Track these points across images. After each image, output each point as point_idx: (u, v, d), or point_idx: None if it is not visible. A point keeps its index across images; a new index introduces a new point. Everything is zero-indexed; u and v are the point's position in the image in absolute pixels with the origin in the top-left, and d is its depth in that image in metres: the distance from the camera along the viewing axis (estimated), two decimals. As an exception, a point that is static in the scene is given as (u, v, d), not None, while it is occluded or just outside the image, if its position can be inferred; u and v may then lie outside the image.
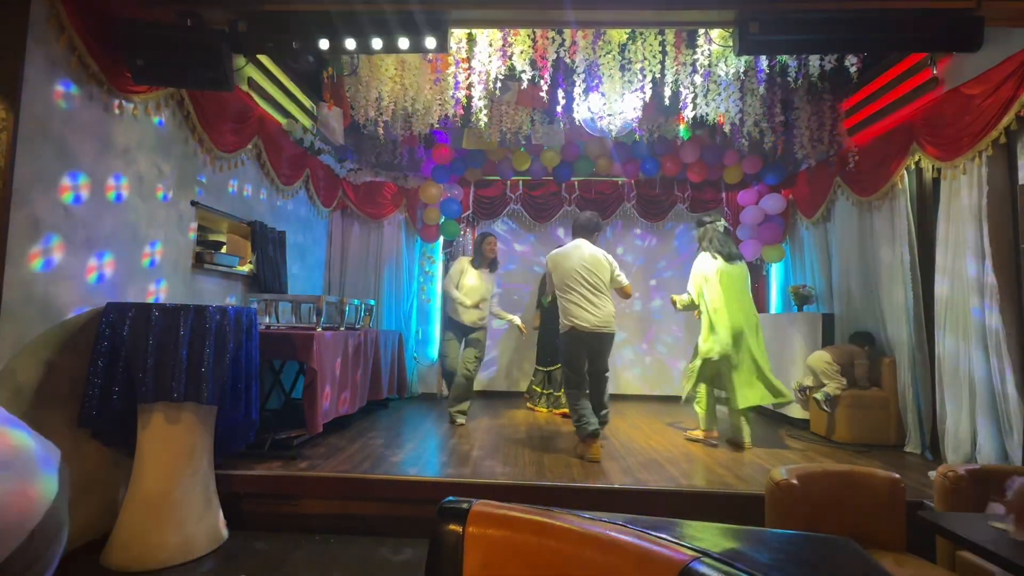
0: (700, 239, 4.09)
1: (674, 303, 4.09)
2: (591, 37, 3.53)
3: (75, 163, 2.55)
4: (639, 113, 4.08)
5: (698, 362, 3.91)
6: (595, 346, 3.58)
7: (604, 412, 3.68)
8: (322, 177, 5.21)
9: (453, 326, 4.60)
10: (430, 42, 2.74)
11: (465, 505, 0.91)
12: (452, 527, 0.88)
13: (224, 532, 2.67)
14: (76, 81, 2.54)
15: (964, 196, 3.32)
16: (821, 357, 4.15)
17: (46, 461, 0.98)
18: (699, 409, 4.02)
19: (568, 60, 3.61)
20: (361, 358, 4.31)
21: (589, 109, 4.26)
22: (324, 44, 2.75)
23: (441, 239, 6.14)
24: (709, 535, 1.02)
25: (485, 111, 4.11)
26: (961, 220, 3.34)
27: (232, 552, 2.59)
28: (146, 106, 2.96)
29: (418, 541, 2.73)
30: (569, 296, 3.57)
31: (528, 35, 3.53)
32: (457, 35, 3.51)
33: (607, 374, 3.73)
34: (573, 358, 3.58)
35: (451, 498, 0.94)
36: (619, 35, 3.55)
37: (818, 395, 4.08)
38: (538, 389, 5.33)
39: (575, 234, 3.79)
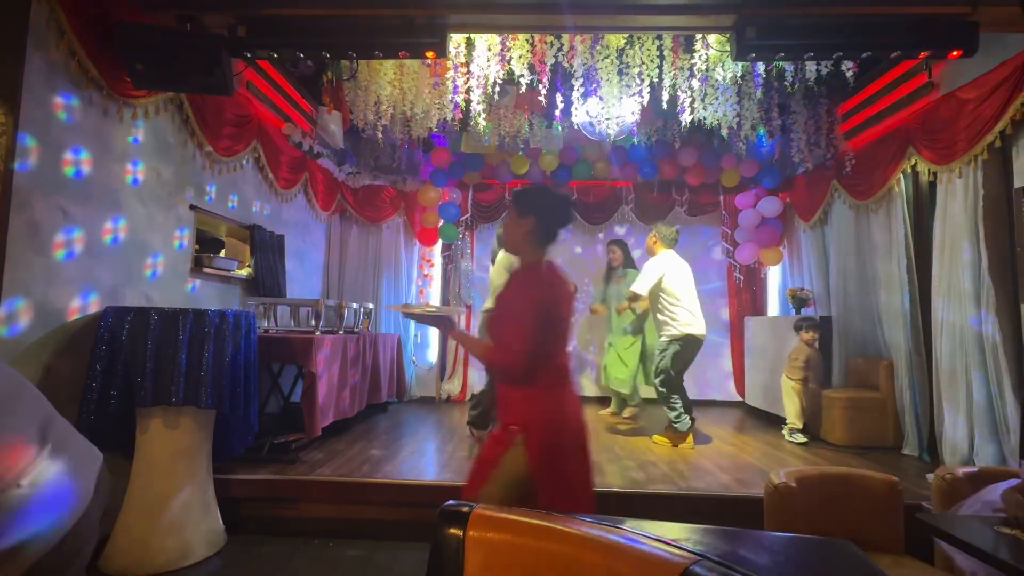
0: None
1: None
2: (589, 42, 3.55)
3: (74, 166, 2.55)
4: (637, 117, 4.10)
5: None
6: (696, 352, 3.97)
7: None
8: (321, 181, 5.21)
9: None
10: (428, 47, 2.75)
11: (466, 509, 0.91)
12: (453, 531, 0.88)
13: (223, 536, 2.66)
14: (76, 85, 2.54)
15: (960, 200, 3.34)
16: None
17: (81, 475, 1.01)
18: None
19: (566, 64, 3.63)
20: (359, 361, 4.30)
21: (587, 113, 4.28)
22: (323, 49, 2.76)
23: (440, 242, 6.15)
24: (708, 538, 1.03)
25: (484, 115, 4.13)
26: (957, 223, 3.35)
27: (231, 556, 2.58)
28: (145, 110, 2.97)
29: (418, 545, 2.73)
30: (683, 303, 3.90)
31: (527, 40, 3.54)
32: (456, 40, 3.52)
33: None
34: (683, 364, 3.94)
35: (451, 502, 0.94)
36: (617, 40, 3.57)
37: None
38: None
39: (669, 245, 4.11)
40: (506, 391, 1.67)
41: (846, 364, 4.52)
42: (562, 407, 1.65)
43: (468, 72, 3.72)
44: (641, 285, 4.00)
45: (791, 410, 4.18)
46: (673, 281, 3.93)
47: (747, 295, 5.97)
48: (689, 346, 3.90)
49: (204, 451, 2.62)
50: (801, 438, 4.08)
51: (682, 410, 3.89)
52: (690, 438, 3.92)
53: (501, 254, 3.81)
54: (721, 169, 5.74)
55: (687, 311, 3.89)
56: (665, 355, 3.92)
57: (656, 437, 4.04)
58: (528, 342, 1.58)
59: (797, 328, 4.30)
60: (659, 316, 4.00)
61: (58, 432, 0.92)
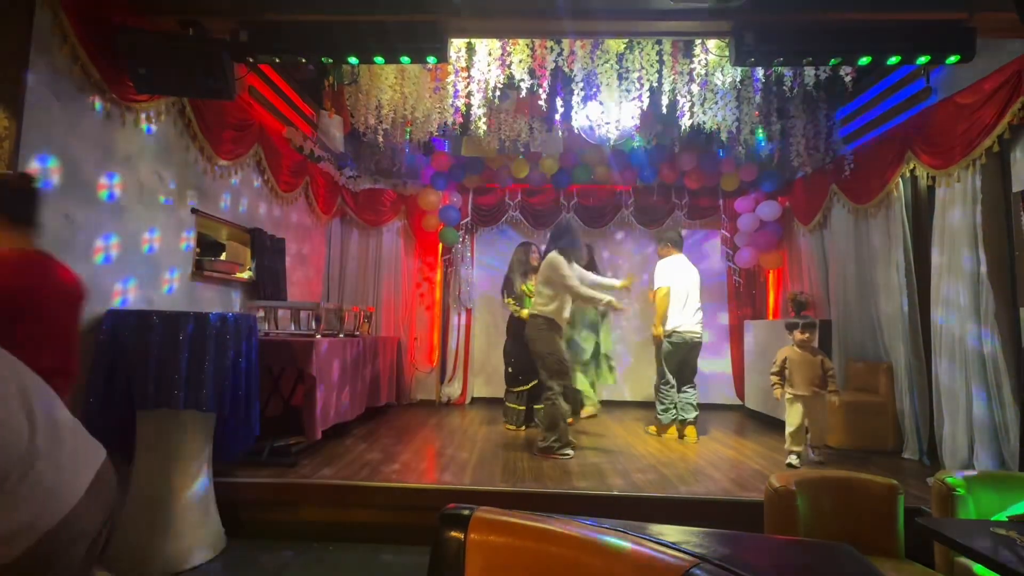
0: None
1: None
2: (589, 47, 3.56)
3: (77, 171, 2.56)
4: (637, 121, 4.12)
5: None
6: (691, 352, 4.26)
7: (695, 416, 4.28)
8: (322, 184, 5.23)
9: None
10: (429, 52, 2.76)
11: (466, 512, 0.91)
12: (454, 534, 0.89)
13: (223, 539, 2.66)
14: (78, 90, 2.55)
15: (958, 204, 3.35)
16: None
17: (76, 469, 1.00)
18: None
19: (566, 69, 3.65)
20: (360, 365, 4.31)
21: (587, 117, 4.29)
22: (324, 54, 2.77)
23: (440, 246, 6.16)
24: (708, 541, 1.03)
25: (484, 119, 4.15)
26: (956, 228, 3.37)
27: (230, 560, 2.58)
28: (147, 114, 2.98)
29: (417, 548, 2.72)
30: (674, 305, 4.20)
31: (527, 44, 3.56)
32: (456, 44, 3.54)
33: (695, 381, 4.37)
34: (677, 362, 4.25)
35: (452, 505, 0.95)
36: (617, 45, 3.58)
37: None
38: (513, 407, 4.67)
39: (676, 248, 4.42)
40: None
41: (846, 368, 4.52)
42: None
43: (469, 76, 3.73)
44: (657, 284, 4.35)
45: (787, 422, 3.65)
46: (672, 280, 4.28)
47: (747, 299, 5.98)
48: (678, 344, 4.21)
49: (204, 454, 2.62)
50: (794, 460, 3.47)
51: (669, 404, 4.26)
52: (693, 432, 4.19)
53: (550, 256, 3.75)
54: (720, 173, 5.75)
55: (675, 311, 4.22)
56: (658, 350, 4.34)
57: (649, 428, 4.49)
58: None
59: (789, 328, 3.75)
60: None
61: (56, 423, 0.92)
